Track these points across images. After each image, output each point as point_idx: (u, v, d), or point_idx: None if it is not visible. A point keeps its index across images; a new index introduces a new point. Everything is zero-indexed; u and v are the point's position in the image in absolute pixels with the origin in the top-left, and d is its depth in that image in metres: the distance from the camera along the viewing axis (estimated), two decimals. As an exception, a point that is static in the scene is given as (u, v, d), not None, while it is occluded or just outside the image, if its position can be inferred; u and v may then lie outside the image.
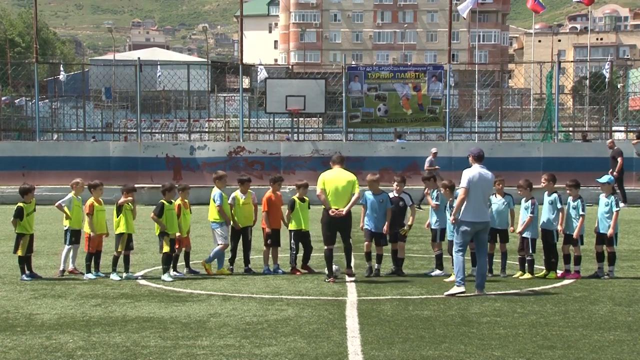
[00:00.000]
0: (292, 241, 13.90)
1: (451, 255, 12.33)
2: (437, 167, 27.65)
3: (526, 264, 13.46)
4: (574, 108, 52.23)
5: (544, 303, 11.12)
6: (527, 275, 13.33)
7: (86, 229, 13.68)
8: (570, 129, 42.16)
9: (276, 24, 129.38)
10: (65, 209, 13.78)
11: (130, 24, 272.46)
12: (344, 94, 32.40)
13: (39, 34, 56.15)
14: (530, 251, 13.35)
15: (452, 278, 12.98)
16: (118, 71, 50.91)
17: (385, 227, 13.30)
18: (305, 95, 32.57)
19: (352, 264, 13.14)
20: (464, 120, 52.09)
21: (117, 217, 13.43)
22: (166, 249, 13.18)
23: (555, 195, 13.41)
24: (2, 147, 33.00)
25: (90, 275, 13.41)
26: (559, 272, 13.42)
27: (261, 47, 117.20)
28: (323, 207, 12.93)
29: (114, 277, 13.21)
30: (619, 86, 50.75)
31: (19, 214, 13.34)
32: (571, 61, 69.44)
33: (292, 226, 13.89)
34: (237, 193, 14.20)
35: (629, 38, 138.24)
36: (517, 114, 55.55)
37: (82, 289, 12.40)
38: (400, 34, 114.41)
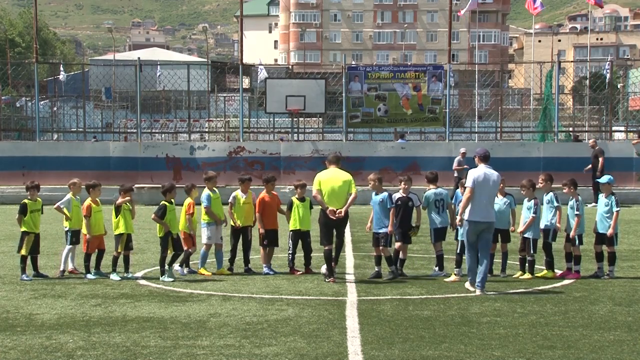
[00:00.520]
0: (290, 241, 13.85)
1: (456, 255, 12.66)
2: (466, 166, 27.60)
3: (526, 264, 13.45)
4: (574, 108, 52.22)
5: (544, 303, 11.12)
6: (527, 276, 13.33)
7: (83, 230, 13.67)
8: (571, 129, 42.16)
9: (276, 24, 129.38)
10: (65, 210, 13.78)
11: (130, 24, 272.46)
12: (344, 94, 32.41)
13: (39, 34, 56.14)
14: (532, 251, 13.35)
15: (452, 278, 13.01)
16: (118, 71, 50.92)
17: (389, 228, 13.10)
18: (305, 95, 32.57)
19: (334, 261, 13.12)
20: (464, 120, 52.08)
21: (116, 217, 13.42)
22: (169, 252, 13.16)
23: (551, 194, 13.41)
24: (2, 147, 33.01)
25: (90, 276, 13.42)
26: (558, 272, 13.42)
27: (261, 47, 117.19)
28: (320, 207, 12.91)
29: (113, 277, 13.22)
30: (619, 86, 50.75)
31: (23, 210, 13.38)
32: (571, 61, 69.42)
33: (291, 226, 13.89)
34: (238, 192, 14.19)
35: (629, 38, 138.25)
36: (517, 114, 55.55)
37: (82, 289, 12.40)
38: (400, 34, 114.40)
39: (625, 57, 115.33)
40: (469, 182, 12.08)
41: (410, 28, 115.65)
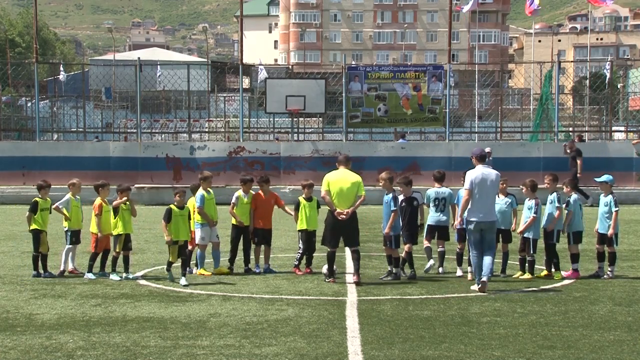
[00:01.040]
0: (300, 240, 13.89)
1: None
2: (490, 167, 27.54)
3: (526, 264, 13.45)
4: (574, 108, 52.23)
5: (544, 303, 11.12)
6: (527, 276, 13.32)
7: (93, 229, 13.63)
8: (571, 129, 42.16)
9: (276, 24, 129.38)
10: (64, 210, 13.79)
11: (130, 24, 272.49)
12: (344, 94, 32.40)
13: (39, 34, 56.13)
14: (532, 252, 13.35)
15: (470, 276, 12.93)
16: (118, 71, 50.91)
17: (386, 229, 13.08)
18: (305, 95, 32.56)
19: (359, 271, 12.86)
20: (464, 120, 52.08)
21: (114, 218, 13.40)
22: (172, 258, 13.03)
23: (555, 194, 13.40)
24: (2, 147, 32.99)
25: (90, 275, 13.42)
26: (564, 273, 13.40)
27: (261, 47, 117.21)
28: (328, 208, 12.81)
29: (113, 277, 13.22)
30: (619, 86, 50.75)
31: (34, 208, 13.47)
32: (571, 61, 69.43)
33: (299, 226, 13.93)
34: (240, 193, 14.22)
35: (629, 38, 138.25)
36: (517, 114, 55.56)
37: (82, 289, 12.40)
38: (400, 34, 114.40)
39: (625, 57, 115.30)
40: (466, 184, 12.14)
41: (410, 28, 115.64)
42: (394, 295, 11.72)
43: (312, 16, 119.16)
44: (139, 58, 35.82)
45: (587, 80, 56.46)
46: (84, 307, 10.92)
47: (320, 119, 45.11)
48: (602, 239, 13.44)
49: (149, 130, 42.53)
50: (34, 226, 13.59)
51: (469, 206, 12.10)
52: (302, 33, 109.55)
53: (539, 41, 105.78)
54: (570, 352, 8.46)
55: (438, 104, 32.35)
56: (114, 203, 13.47)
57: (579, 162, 27.92)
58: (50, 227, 14.17)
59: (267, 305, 10.96)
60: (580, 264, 13.71)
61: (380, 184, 13.37)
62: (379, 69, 33.69)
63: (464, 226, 13.50)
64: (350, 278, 12.95)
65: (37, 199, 13.72)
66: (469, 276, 13.06)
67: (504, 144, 33.50)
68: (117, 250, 13.37)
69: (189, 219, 13.20)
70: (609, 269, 13.39)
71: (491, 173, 12.27)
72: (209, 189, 14.08)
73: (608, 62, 41.62)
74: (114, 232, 13.43)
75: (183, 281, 12.69)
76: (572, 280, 13.04)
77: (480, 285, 11.97)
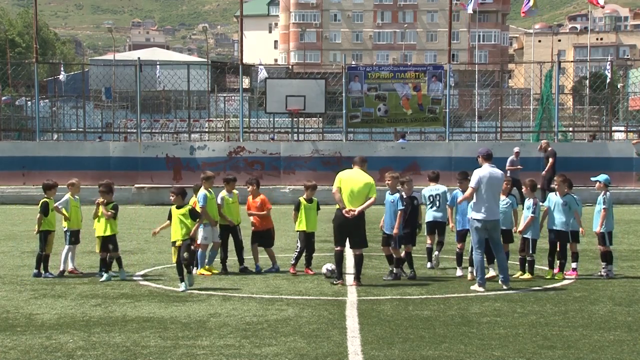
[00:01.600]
0: (298, 241, 13.83)
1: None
2: (519, 167, 27.51)
3: (526, 264, 13.45)
4: (574, 108, 52.23)
5: (544, 303, 11.12)
6: (527, 276, 13.32)
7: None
8: (570, 129, 42.18)
9: (276, 24, 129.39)
10: (63, 210, 13.79)
11: (130, 24, 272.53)
12: (344, 94, 32.40)
13: (39, 34, 56.12)
14: (531, 251, 13.35)
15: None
16: (118, 71, 50.90)
17: (394, 229, 13.05)
18: (305, 95, 32.56)
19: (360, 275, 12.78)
20: (464, 120, 52.09)
21: (98, 221, 13.35)
22: (173, 259, 12.72)
23: (569, 196, 13.38)
24: (2, 147, 32.99)
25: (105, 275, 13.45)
26: (567, 272, 13.45)
27: (261, 47, 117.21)
28: (337, 206, 12.65)
29: (103, 277, 13.20)
30: (619, 86, 50.75)
31: (45, 209, 13.45)
32: (571, 61, 69.43)
33: (297, 226, 13.89)
34: (224, 193, 14.24)
35: (629, 38, 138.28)
36: (517, 114, 55.57)
37: (82, 289, 12.40)
38: (400, 34, 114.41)
39: (625, 57, 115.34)
40: (472, 182, 12.28)
41: (410, 28, 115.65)
42: (394, 295, 11.72)
43: (312, 16, 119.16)
44: (139, 58, 35.81)
45: (587, 80, 56.46)
46: (84, 307, 10.92)
47: (320, 119, 45.12)
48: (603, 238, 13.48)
49: (149, 130, 42.53)
50: (44, 227, 13.59)
51: (475, 205, 12.20)
52: (302, 33, 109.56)
53: (539, 41, 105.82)
54: (570, 352, 8.46)
55: (438, 104, 32.34)
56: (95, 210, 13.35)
57: (551, 161, 27.96)
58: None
59: (267, 305, 10.96)
60: (580, 263, 13.73)
61: (387, 182, 13.35)
62: (379, 69, 33.68)
63: (464, 227, 13.62)
64: (350, 278, 12.92)
65: (46, 199, 13.69)
66: (469, 276, 13.07)
67: (504, 144, 33.46)
68: (97, 251, 13.35)
69: (194, 219, 12.43)
70: (604, 268, 13.40)
71: (498, 173, 12.44)
72: (210, 189, 14.10)
73: (608, 62, 41.64)
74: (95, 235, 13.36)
75: (181, 286, 12.17)
76: (572, 280, 13.04)
77: (505, 285, 12.17)
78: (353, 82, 32.30)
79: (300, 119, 41.44)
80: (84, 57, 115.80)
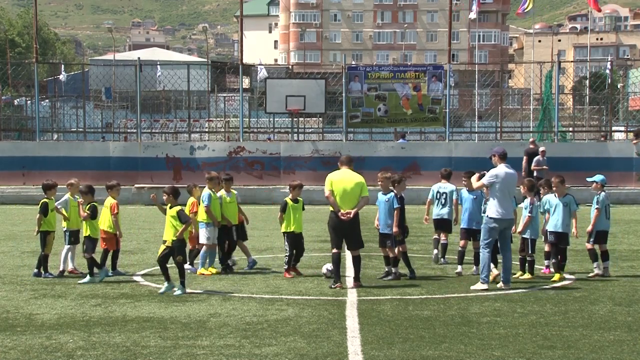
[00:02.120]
0: (286, 243, 13.65)
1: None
2: (545, 167, 27.41)
3: (526, 264, 13.45)
4: (574, 108, 52.23)
5: (544, 303, 11.12)
6: (527, 276, 13.32)
7: (109, 228, 13.47)
8: (570, 129, 42.18)
9: (276, 24, 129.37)
10: (62, 210, 13.79)
11: (130, 24, 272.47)
12: (344, 94, 32.40)
13: (39, 34, 56.13)
14: (531, 251, 13.35)
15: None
16: (118, 71, 50.90)
17: (394, 228, 13.08)
18: (305, 95, 32.56)
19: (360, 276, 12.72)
20: (464, 120, 52.09)
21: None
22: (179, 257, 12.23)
23: (569, 197, 13.39)
24: (2, 147, 32.99)
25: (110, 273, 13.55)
26: (544, 270, 13.64)
27: (261, 47, 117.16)
28: (331, 209, 12.57)
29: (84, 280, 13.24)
30: (619, 86, 50.75)
31: (44, 210, 13.45)
32: (571, 61, 69.40)
33: (284, 228, 13.69)
34: (223, 192, 14.24)
35: (629, 38, 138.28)
36: (517, 114, 55.57)
37: (82, 289, 12.40)
38: (400, 34, 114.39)
39: (625, 57, 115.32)
40: (486, 179, 12.40)
41: (410, 28, 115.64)
42: (394, 295, 11.72)
43: (312, 16, 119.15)
44: (139, 58, 35.82)
45: (587, 80, 56.45)
46: (84, 307, 10.92)
47: (320, 119, 45.13)
48: (597, 237, 13.52)
49: (149, 130, 42.53)
50: (44, 228, 13.59)
51: (491, 204, 12.28)
52: (302, 33, 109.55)
53: (539, 41, 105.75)
54: (570, 352, 8.46)
55: (438, 104, 32.35)
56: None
57: (524, 160, 27.76)
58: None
59: (267, 305, 10.96)
60: (580, 264, 13.74)
61: (379, 183, 13.35)
62: (379, 69, 33.69)
63: (469, 226, 13.67)
64: (349, 281, 12.89)
65: (46, 200, 13.68)
66: (491, 277, 12.59)
67: (504, 144, 33.45)
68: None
69: (182, 221, 11.96)
70: (594, 266, 13.45)
71: (513, 172, 12.60)
72: (214, 189, 14.11)
73: (609, 62, 41.63)
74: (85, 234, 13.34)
75: (176, 291, 11.84)
76: (571, 281, 13.04)
77: (505, 286, 12.23)
78: (353, 82, 32.30)
79: (300, 119, 41.44)
80: (84, 57, 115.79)
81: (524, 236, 13.40)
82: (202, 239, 13.89)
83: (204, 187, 14.20)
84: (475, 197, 13.77)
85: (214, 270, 13.91)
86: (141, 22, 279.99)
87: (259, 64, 51.32)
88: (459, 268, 13.74)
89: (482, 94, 53.93)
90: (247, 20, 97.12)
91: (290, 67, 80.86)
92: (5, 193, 30.54)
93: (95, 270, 13.17)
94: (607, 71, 41.41)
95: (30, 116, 52.41)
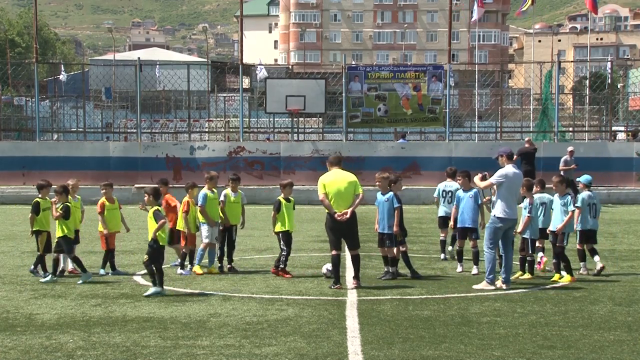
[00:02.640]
0: (282, 242, 13.55)
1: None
2: (573, 166, 27.22)
3: (526, 264, 13.45)
4: (574, 108, 52.23)
5: (544, 303, 11.12)
6: (527, 276, 13.33)
7: (100, 228, 13.76)
8: (570, 129, 42.16)
9: (276, 24, 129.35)
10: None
11: (130, 24, 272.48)
12: (344, 94, 32.39)
13: (39, 34, 56.12)
14: (530, 251, 13.36)
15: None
16: (118, 71, 50.90)
17: (395, 228, 13.09)
18: (305, 95, 32.56)
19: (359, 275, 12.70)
20: (464, 120, 52.08)
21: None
22: (145, 257, 12.30)
23: (568, 197, 13.40)
24: (2, 147, 32.99)
25: (101, 272, 13.63)
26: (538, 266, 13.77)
27: (261, 47, 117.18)
28: (327, 211, 12.51)
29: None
30: (619, 86, 50.74)
31: (35, 209, 13.45)
32: (571, 61, 69.37)
33: (279, 227, 13.59)
34: (228, 191, 14.28)
35: (629, 38, 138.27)
36: (517, 114, 55.55)
37: (82, 289, 12.40)
38: (400, 34, 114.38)
39: (625, 57, 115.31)
40: (495, 178, 12.38)
41: (410, 28, 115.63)
42: (394, 295, 11.71)
43: (312, 16, 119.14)
44: (139, 58, 35.81)
45: (587, 80, 56.44)
46: (84, 307, 10.92)
47: (320, 119, 45.12)
48: (585, 237, 13.63)
49: (149, 130, 42.53)
50: (36, 227, 13.59)
51: (499, 204, 12.27)
52: (302, 33, 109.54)
53: (539, 41, 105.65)
54: (570, 352, 8.45)
55: (438, 104, 32.34)
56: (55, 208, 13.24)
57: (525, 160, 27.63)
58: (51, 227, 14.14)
59: (267, 305, 10.96)
60: (580, 264, 13.73)
61: (377, 183, 13.36)
62: (379, 69, 33.68)
63: (464, 225, 13.71)
64: (349, 281, 12.88)
65: (38, 199, 13.69)
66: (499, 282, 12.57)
67: (504, 144, 33.44)
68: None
69: (156, 220, 11.98)
70: (581, 265, 13.56)
71: (519, 173, 12.68)
72: (213, 189, 14.12)
73: (609, 62, 41.61)
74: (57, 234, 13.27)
75: (150, 290, 11.73)
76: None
77: (505, 285, 12.24)
78: (353, 82, 32.30)
79: (300, 119, 41.44)
80: (84, 57, 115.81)
81: (524, 236, 13.41)
82: (203, 238, 13.96)
83: (204, 187, 14.22)
84: (471, 196, 13.81)
85: (214, 270, 13.92)
86: (141, 22, 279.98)
87: (259, 64, 51.34)
88: (459, 267, 13.86)
89: (482, 94, 53.91)
90: (247, 20, 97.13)
91: (290, 67, 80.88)
92: (5, 193, 30.54)
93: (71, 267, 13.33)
94: (607, 71, 41.39)
95: (30, 116, 52.42)
